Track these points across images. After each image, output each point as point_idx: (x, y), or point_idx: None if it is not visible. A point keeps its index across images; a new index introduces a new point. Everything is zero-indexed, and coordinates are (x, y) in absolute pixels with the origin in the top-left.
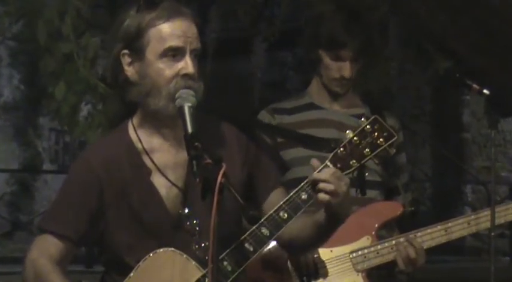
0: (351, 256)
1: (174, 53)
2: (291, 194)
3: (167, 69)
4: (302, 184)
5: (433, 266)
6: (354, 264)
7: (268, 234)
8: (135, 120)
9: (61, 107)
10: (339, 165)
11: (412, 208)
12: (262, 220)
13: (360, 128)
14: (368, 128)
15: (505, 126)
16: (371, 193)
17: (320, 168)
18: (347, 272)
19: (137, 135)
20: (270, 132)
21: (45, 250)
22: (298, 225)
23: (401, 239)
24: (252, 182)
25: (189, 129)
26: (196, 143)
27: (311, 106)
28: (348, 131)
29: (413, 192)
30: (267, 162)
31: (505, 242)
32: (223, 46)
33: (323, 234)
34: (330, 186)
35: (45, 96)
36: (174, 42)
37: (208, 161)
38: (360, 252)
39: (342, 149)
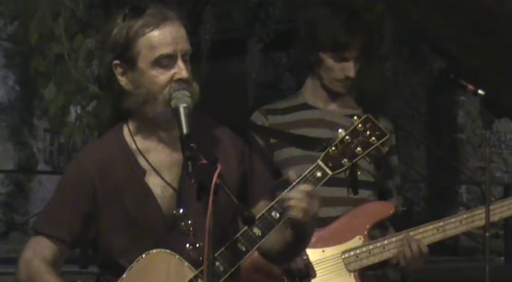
0: (343, 256)
1: (166, 60)
2: (282, 194)
3: (161, 76)
4: (293, 184)
5: (427, 266)
6: (346, 264)
7: (260, 234)
8: (131, 125)
9: (50, 107)
10: (330, 165)
11: (404, 208)
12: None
13: (351, 127)
14: (360, 127)
15: (500, 126)
16: (364, 193)
17: (296, 181)
18: (339, 272)
19: (132, 137)
20: (263, 134)
21: (39, 252)
22: (271, 239)
23: (411, 233)
24: (244, 186)
25: (184, 130)
26: (192, 144)
27: (305, 106)
28: (340, 130)
29: (407, 192)
30: (260, 168)
31: (500, 242)
32: (218, 47)
33: (289, 253)
34: (301, 204)
35: (36, 96)
36: (165, 50)
37: (204, 161)
38: (351, 253)
39: (333, 148)
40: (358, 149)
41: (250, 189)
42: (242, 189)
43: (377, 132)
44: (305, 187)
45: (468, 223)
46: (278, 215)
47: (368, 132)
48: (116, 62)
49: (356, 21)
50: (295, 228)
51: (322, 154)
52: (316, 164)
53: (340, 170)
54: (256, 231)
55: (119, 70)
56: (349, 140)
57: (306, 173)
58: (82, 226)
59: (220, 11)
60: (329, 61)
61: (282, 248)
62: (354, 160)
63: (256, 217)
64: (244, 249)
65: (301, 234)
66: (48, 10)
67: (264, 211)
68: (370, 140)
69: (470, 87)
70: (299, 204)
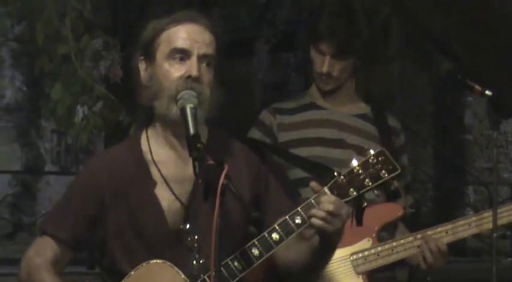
0: (351, 258)
1: (181, 56)
2: (286, 217)
3: (172, 71)
4: (297, 208)
5: None
6: (354, 266)
7: (258, 254)
8: (150, 132)
9: (57, 108)
10: (336, 193)
11: (413, 210)
12: (254, 240)
13: (363, 160)
14: (372, 159)
15: (507, 127)
16: (371, 195)
17: (300, 207)
18: (347, 274)
19: (148, 145)
20: (274, 152)
21: (41, 251)
22: (294, 251)
23: (419, 236)
24: (259, 207)
25: (191, 131)
26: (199, 145)
27: (312, 106)
28: (352, 161)
29: (414, 192)
30: (277, 189)
31: (507, 243)
32: (225, 48)
33: (318, 260)
34: (321, 214)
35: (43, 96)
36: (180, 44)
37: (211, 162)
38: (360, 254)
39: (342, 177)
40: (367, 180)
41: (265, 211)
42: (257, 210)
43: (390, 166)
44: (329, 197)
45: (477, 226)
46: (278, 237)
47: (379, 166)
48: (141, 57)
49: (343, 18)
50: (322, 235)
51: (331, 181)
52: (322, 190)
53: (345, 199)
54: (255, 251)
55: (142, 66)
56: (360, 171)
57: (311, 198)
58: (87, 229)
59: (227, 12)
60: (313, 52)
61: (307, 257)
62: (361, 191)
63: (256, 238)
64: (241, 268)
65: (327, 241)
66: (54, 10)
67: (265, 232)
68: (381, 174)
69: (478, 88)
70: (319, 214)
